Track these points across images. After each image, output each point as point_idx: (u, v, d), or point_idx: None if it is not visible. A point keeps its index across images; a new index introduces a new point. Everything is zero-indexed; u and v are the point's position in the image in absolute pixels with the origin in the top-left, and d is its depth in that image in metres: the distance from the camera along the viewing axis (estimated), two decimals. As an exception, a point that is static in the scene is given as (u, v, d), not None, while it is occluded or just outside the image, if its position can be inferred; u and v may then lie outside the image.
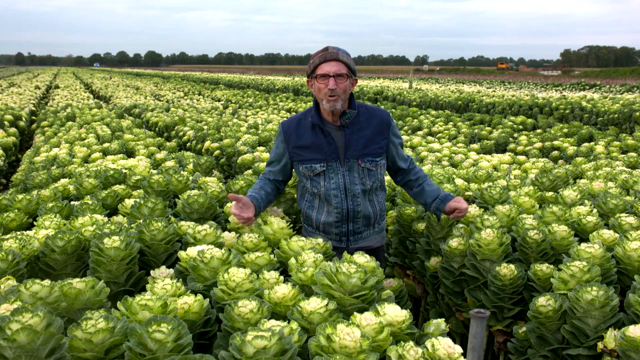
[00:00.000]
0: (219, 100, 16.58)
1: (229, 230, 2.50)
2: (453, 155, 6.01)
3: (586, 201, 2.98)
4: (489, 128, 9.11)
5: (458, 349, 1.48)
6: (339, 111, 2.56)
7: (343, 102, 2.54)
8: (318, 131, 2.61)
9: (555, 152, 6.79)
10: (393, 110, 12.42)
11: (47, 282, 1.61)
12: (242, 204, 2.48)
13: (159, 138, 6.70)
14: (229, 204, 2.75)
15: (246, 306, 1.56)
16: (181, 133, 8.10)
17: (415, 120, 10.43)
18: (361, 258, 1.91)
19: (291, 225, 2.40)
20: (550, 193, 3.19)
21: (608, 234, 2.42)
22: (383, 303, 1.66)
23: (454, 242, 2.56)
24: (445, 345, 1.48)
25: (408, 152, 6.13)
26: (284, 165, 2.73)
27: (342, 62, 2.52)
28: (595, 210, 2.78)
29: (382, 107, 13.67)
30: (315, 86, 2.56)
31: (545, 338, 2.07)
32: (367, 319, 1.54)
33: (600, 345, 1.82)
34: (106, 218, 2.47)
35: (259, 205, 2.55)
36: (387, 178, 3.34)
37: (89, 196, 2.97)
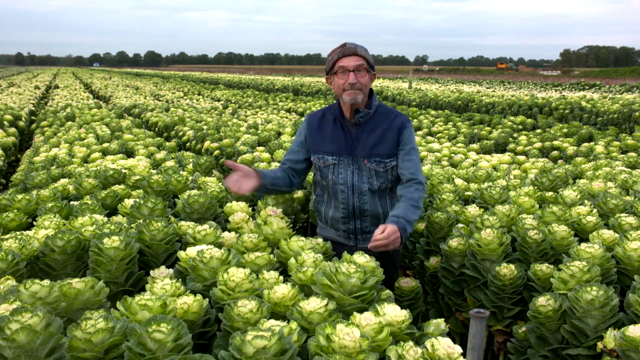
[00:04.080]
0: (218, 100, 16.58)
1: (229, 230, 2.50)
2: (453, 155, 6.01)
3: (586, 201, 2.98)
4: (489, 128, 9.11)
5: (458, 349, 1.48)
6: (358, 106, 2.54)
7: (364, 95, 2.53)
8: (338, 125, 2.62)
9: (555, 152, 6.79)
10: (393, 110, 12.42)
11: (46, 282, 1.61)
12: (242, 173, 2.51)
13: (159, 138, 6.70)
14: (229, 204, 2.75)
15: (245, 306, 1.56)
16: (181, 133, 8.10)
17: (415, 120, 10.42)
18: (361, 258, 1.91)
19: (291, 225, 2.40)
20: (550, 193, 3.19)
21: (608, 234, 2.42)
22: (383, 303, 1.66)
23: (453, 242, 2.56)
24: (444, 345, 1.48)
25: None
26: (302, 154, 2.72)
27: (361, 57, 2.51)
28: (595, 210, 2.78)
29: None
30: (335, 82, 2.55)
31: (545, 338, 2.07)
32: (366, 318, 1.54)
33: (600, 345, 1.82)
34: (106, 218, 2.47)
35: (263, 175, 2.56)
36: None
37: (88, 196, 2.97)
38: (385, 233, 2.22)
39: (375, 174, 2.57)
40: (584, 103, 12.62)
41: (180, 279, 1.79)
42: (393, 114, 2.63)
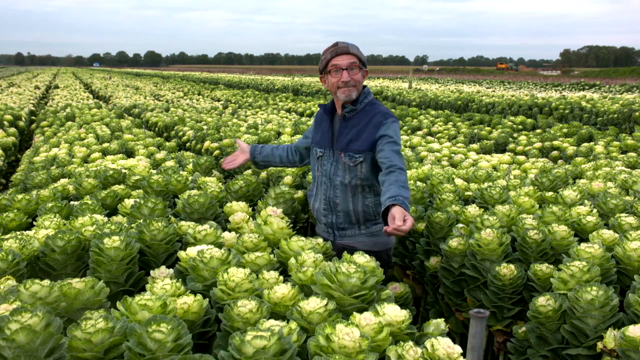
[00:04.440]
0: (218, 100, 16.57)
1: (229, 230, 2.50)
2: (453, 155, 6.00)
3: (586, 201, 2.98)
4: (489, 128, 9.10)
5: (457, 349, 1.48)
6: (351, 101, 2.65)
7: (357, 92, 2.64)
8: (330, 119, 2.77)
9: (555, 152, 6.79)
10: (393, 110, 12.41)
11: (46, 282, 1.61)
12: (240, 149, 3.12)
13: (159, 138, 6.70)
14: (229, 204, 2.75)
15: (245, 306, 1.57)
16: (181, 133, 8.09)
17: (415, 120, 10.42)
18: (361, 258, 1.91)
19: (291, 225, 2.40)
20: (550, 193, 3.19)
21: (608, 234, 2.42)
22: (382, 303, 1.66)
23: (453, 242, 2.56)
24: (444, 345, 1.48)
25: (407, 152, 6.12)
26: (304, 141, 2.99)
27: (353, 55, 2.61)
28: (595, 210, 2.78)
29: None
30: (329, 81, 2.65)
31: (545, 338, 2.07)
32: (366, 319, 1.54)
33: (599, 345, 1.82)
34: (106, 218, 2.47)
35: (254, 150, 3.08)
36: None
37: (88, 196, 2.97)
38: (406, 226, 2.18)
39: (348, 169, 2.66)
40: (584, 103, 12.62)
41: (180, 279, 1.79)
42: (375, 111, 2.67)
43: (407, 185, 2.44)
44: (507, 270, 2.30)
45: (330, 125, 2.75)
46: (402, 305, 2.27)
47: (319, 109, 2.86)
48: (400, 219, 2.18)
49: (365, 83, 2.74)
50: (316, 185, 2.82)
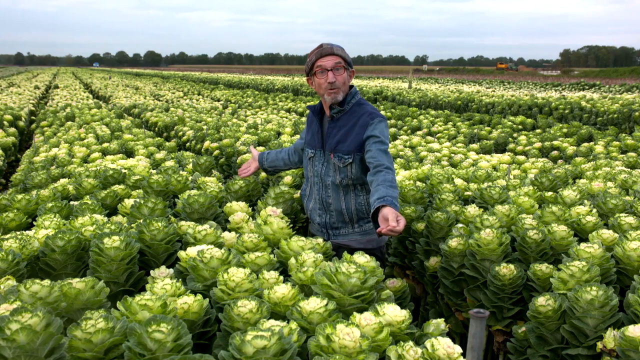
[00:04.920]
0: (218, 100, 16.56)
1: (229, 230, 2.50)
2: (452, 155, 6.00)
3: (586, 201, 2.98)
4: (489, 128, 9.10)
5: (457, 349, 1.48)
6: (338, 102, 2.67)
7: (343, 93, 2.67)
8: (319, 120, 2.81)
9: (555, 152, 6.79)
10: (392, 110, 12.41)
11: (46, 282, 1.61)
12: (252, 157, 3.25)
13: (159, 138, 6.69)
14: (228, 204, 2.76)
15: (245, 306, 1.57)
16: (180, 133, 8.09)
17: (415, 120, 10.41)
18: (361, 258, 1.91)
19: (291, 225, 2.41)
20: (550, 193, 3.19)
21: (607, 233, 2.43)
22: (383, 303, 1.66)
23: (453, 242, 2.56)
24: (444, 345, 1.48)
25: (407, 152, 6.12)
26: (300, 143, 3.03)
27: (338, 56, 2.63)
28: (594, 210, 2.78)
29: (382, 107, 13.67)
30: (316, 82, 2.68)
31: (544, 338, 2.07)
32: (366, 319, 1.54)
33: (599, 345, 1.82)
34: (106, 218, 2.48)
35: (260, 157, 3.18)
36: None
37: (88, 196, 2.97)
38: (400, 227, 2.21)
39: (338, 169, 2.69)
40: (583, 103, 12.62)
41: (180, 279, 1.79)
42: (362, 112, 2.69)
43: (394, 184, 2.47)
44: (506, 270, 2.31)
45: (319, 126, 2.79)
46: (400, 299, 2.29)
47: (310, 109, 2.86)
48: (393, 220, 2.21)
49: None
50: (309, 185, 2.85)
